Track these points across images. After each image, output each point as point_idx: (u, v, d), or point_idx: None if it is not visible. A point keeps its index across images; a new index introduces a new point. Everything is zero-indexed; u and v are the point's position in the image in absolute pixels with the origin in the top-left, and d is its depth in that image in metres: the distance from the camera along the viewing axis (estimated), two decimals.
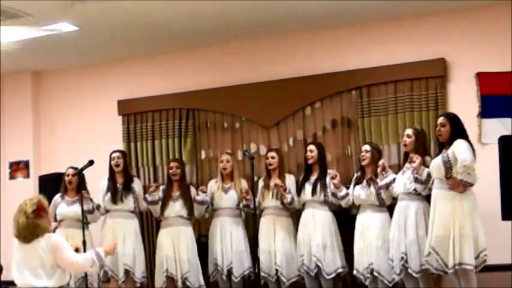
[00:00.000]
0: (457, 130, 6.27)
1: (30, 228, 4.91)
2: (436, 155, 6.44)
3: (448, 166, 6.17)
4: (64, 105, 9.24)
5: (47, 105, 9.34)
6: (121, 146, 8.66)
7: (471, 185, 6.15)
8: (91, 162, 7.38)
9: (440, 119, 6.39)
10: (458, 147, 6.15)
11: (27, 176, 9.20)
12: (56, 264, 4.93)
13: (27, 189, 8.83)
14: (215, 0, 6.87)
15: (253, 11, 7.30)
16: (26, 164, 9.22)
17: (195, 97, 8.46)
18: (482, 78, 7.32)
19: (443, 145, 6.34)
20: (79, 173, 7.41)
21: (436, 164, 6.27)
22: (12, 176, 9.29)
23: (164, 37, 8.05)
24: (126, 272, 7.55)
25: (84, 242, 6.98)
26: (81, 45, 8.22)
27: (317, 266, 7.09)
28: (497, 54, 7.22)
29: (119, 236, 7.54)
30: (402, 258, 6.59)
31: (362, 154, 7.08)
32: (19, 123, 9.27)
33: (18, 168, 9.26)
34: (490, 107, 7.29)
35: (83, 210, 7.28)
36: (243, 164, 8.13)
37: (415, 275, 6.55)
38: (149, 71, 8.82)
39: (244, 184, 7.71)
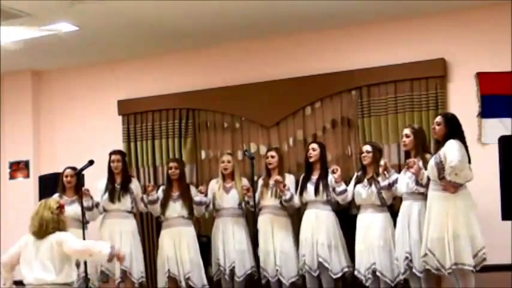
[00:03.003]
0: (452, 130, 6.27)
1: (55, 222, 5.16)
2: (433, 155, 6.47)
3: (441, 167, 6.19)
4: (64, 105, 9.24)
5: (47, 105, 9.34)
6: (121, 146, 8.66)
7: (460, 185, 6.17)
8: (91, 162, 7.38)
9: (437, 118, 6.42)
10: (448, 147, 6.18)
11: (27, 176, 9.20)
12: (65, 259, 5.12)
13: (27, 189, 8.86)
14: (215, 1, 6.88)
15: (253, 11, 7.30)
16: (26, 164, 9.21)
17: (195, 97, 8.46)
18: (482, 78, 7.32)
19: (440, 145, 6.36)
20: (79, 173, 7.40)
21: (429, 166, 6.29)
22: (12, 176, 9.28)
23: (164, 37, 8.05)
24: (124, 272, 7.53)
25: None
26: (81, 45, 8.22)
27: (321, 265, 7.07)
28: (497, 54, 7.22)
29: (115, 236, 7.54)
30: (406, 258, 6.58)
31: (363, 154, 7.06)
32: (19, 123, 9.26)
33: (18, 168, 9.25)
34: (490, 107, 7.29)
35: (83, 207, 7.29)
36: (243, 163, 8.13)
37: (418, 274, 6.55)
38: (149, 71, 8.82)
39: (245, 181, 7.71)
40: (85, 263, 7.04)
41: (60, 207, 5.24)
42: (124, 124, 8.81)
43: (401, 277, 6.70)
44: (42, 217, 5.15)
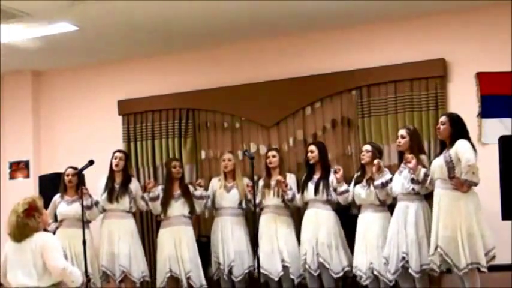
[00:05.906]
0: (457, 130, 6.29)
1: (20, 227, 4.97)
2: (437, 154, 6.46)
3: (451, 166, 6.19)
4: (64, 105, 9.24)
5: (47, 105, 9.34)
6: (121, 146, 8.67)
7: (476, 184, 6.17)
8: (91, 162, 7.37)
9: (442, 118, 6.43)
10: (461, 147, 6.17)
11: (27, 176, 9.20)
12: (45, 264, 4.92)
13: (27, 189, 8.80)
14: (215, 1, 6.88)
15: (253, 12, 7.30)
16: (26, 164, 9.22)
17: (195, 97, 8.47)
18: (482, 78, 7.32)
19: (444, 144, 6.36)
20: (79, 173, 7.41)
21: (438, 165, 6.28)
22: (12, 176, 9.29)
23: (164, 37, 8.05)
24: (123, 272, 7.53)
25: (84, 242, 7.00)
26: (81, 45, 8.22)
27: (321, 265, 7.07)
28: (497, 54, 7.22)
29: (114, 236, 7.56)
30: (403, 258, 6.58)
31: (362, 154, 7.09)
32: (19, 123, 9.27)
33: (18, 168, 9.26)
34: (490, 107, 7.29)
35: (83, 206, 7.25)
36: (243, 163, 8.13)
37: (415, 275, 6.54)
38: (149, 71, 8.82)
39: (247, 180, 7.71)
40: (85, 263, 7.04)
41: (29, 210, 4.99)
42: (124, 124, 8.81)
43: (391, 277, 6.69)
44: (10, 222, 5.01)
